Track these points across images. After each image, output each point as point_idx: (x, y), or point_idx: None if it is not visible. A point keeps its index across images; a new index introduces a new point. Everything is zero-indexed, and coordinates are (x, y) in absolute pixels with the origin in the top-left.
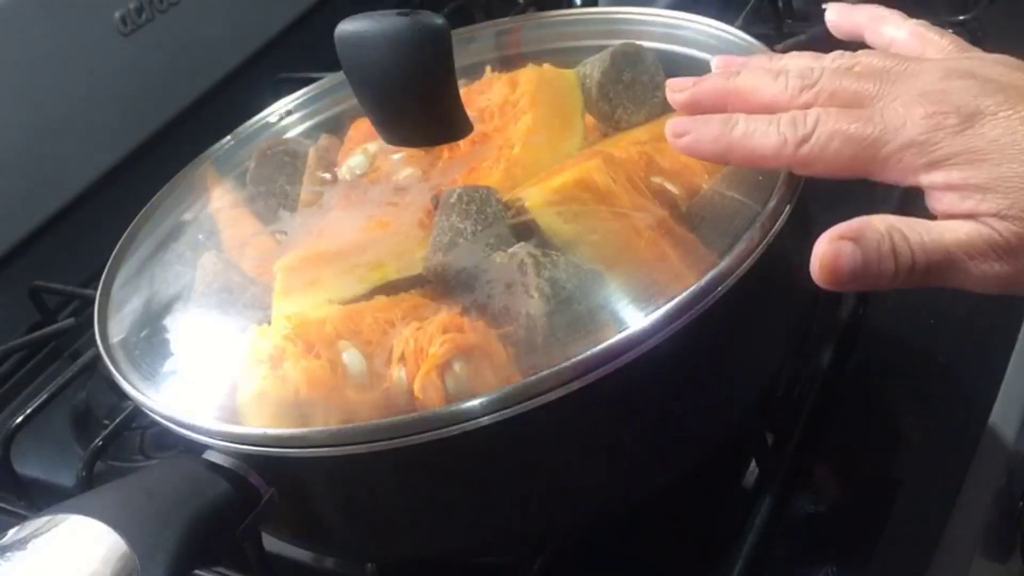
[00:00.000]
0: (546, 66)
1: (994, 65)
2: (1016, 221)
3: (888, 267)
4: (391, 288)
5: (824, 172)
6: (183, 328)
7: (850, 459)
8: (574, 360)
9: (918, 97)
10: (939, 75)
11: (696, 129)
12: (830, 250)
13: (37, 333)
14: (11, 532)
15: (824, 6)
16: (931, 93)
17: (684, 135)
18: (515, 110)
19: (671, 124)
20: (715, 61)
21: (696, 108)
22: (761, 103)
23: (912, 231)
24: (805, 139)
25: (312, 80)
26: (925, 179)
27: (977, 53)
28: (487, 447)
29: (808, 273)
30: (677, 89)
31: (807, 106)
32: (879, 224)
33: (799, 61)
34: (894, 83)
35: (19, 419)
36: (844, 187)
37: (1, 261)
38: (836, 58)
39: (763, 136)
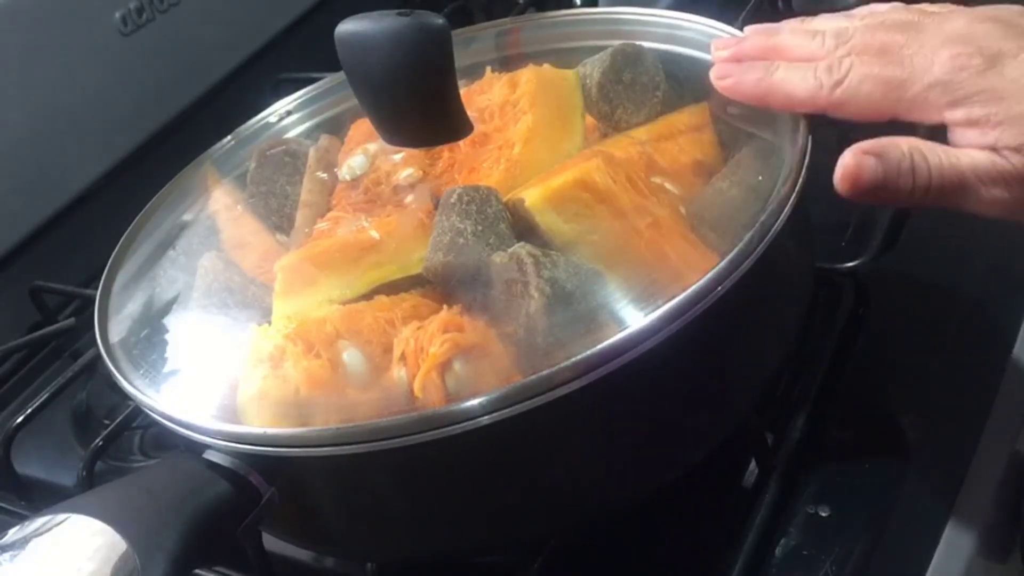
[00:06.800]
0: (546, 66)
1: (1020, 16)
2: None
3: (906, 183)
4: (391, 288)
5: (856, 113)
6: (183, 328)
7: (850, 459)
8: (574, 360)
9: (945, 41)
10: (965, 21)
11: (739, 73)
12: (853, 162)
13: (37, 333)
14: (11, 532)
15: None
16: (957, 37)
17: (727, 78)
18: (515, 110)
19: (715, 69)
20: (748, 29)
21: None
22: (800, 58)
23: (932, 153)
24: (839, 83)
25: (312, 80)
26: (948, 116)
27: (1004, 5)
28: (487, 447)
29: (807, 272)
30: (721, 47)
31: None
32: (903, 143)
33: (832, 22)
34: (923, 31)
35: (19, 419)
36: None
37: (1, 261)
38: (866, 16)
39: (801, 80)
